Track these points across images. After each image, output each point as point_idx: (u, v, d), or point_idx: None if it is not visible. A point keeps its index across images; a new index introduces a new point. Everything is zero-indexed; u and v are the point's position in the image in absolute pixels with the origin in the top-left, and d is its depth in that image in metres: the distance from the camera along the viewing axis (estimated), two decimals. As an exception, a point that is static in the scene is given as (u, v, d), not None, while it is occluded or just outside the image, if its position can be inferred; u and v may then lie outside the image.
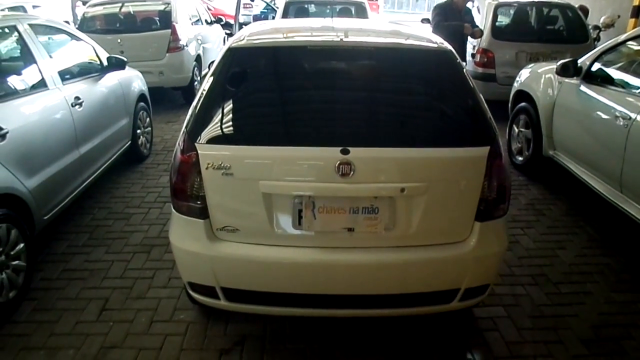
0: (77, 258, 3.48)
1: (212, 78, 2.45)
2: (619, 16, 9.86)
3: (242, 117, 2.36)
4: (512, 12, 7.27)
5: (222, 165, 2.16)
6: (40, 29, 3.72)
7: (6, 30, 3.50)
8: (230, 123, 2.31)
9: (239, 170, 2.17)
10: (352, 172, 2.13)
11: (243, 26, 8.47)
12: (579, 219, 4.17)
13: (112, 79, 4.53)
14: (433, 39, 2.71)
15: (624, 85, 3.83)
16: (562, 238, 3.87)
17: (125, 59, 4.50)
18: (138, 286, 3.17)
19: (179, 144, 2.34)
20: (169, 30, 6.85)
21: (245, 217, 2.25)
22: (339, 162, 2.12)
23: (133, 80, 5.07)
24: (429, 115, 2.42)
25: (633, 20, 9.90)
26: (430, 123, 2.39)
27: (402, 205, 2.22)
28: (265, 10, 10.14)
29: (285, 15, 6.96)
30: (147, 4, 7.20)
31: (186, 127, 2.33)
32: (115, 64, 4.44)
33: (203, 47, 7.87)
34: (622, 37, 4.04)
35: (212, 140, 2.23)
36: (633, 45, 4.02)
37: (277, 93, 2.43)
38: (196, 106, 2.38)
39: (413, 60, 2.51)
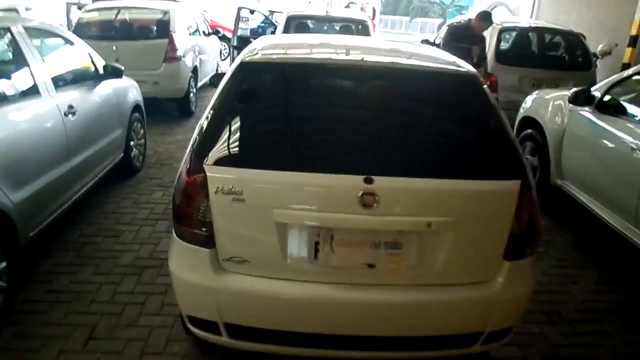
0: (63, 278, 3.24)
1: (222, 93, 2.27)
2: (616, 45, 9.91)
3: (256, 138, 2.17)
4: (515, 37, 7.22)
5: (233, 189, 1.97)
6: (35, 32, 3.51)
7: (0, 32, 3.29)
8: (243, 144, 2.11)
9: (251, 196, 1.98)
10: (376, 204, 1.95)
11: (252, 40, 8.36)
12: (589, 252, 4.03)
13: (107, 87, 4.32)
14: (457, 62, 2.56)
15: (640, 116, 3.74)
16: (572, 272, 3.73)
17: (122, 68, 4.30)
18: (128, 312, 2.94)
19: (184, 163, 2.14)
20: (167, 40, 6.67)
21: (256, 248, 2.05)
22: (362, 192, 1.94)
23: (129, 89, 4.86)
24: (457, 144, 2.24)
25: (630, 49, 9.95)
26: (459, 152, 2.22)
27: (427, 240, 2.05)
28: (263, 25, 9.95)
29: (286, 30, 6.81)
30: (145, 12, 7.02)
31: (193, 145, 2.14)
32: (112, 73, 4.24)
33: (200, 59, 7.69)
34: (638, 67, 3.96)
35: (223, 162, 2.04)
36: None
37: (294, 113, 2.24)
38: (205, 123, 2.19)
39: (438, 84, 2.35)
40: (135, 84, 5.11)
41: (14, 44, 3.28)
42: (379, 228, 2.00)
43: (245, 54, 2.46)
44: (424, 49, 2.98)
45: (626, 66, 8.99)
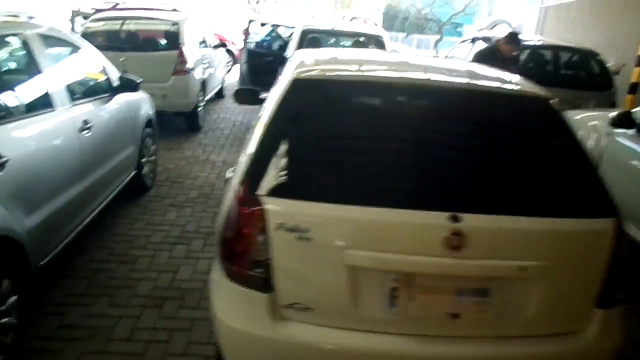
0: (76, 311, 2.93)
1: (275, 112, 2.00)
2: (624, 64, 9.83)
3: (324, 167, 1.89)
4: (535, 56, 7.06)
5: (299, 226, 1.70)
6: (49, 40, 3.23)
7: (11, 39, 3.01)
8: (309, 173, 1.85)
9: (320, 234, 1.71)
10: (463, 246, 1.69)
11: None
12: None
13: (122, 101, 4.04)
14: (530, 84, 2.33)
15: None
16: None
17: (138, 80, 4.02)
18: (151, 353, 2.64)
19: (235, 192, 1.87)
20: (176, 52, 6.41)
21: (323, 293, 1.77)
22: (448, 231, 1.69)
23: (142, 103, 4.59)
24: (547, 178, 1.97)
25: (638, 69, 9.88)
26: (550, 187, 1.95)
27: (517, 287, 1.79)
28: (268, 38, 9.64)
29: (301, 44, 6.59)
30: (154, 23, 6.76)
31: (246, 173, 1.87)
32: (128, 85, 3.96)
33: (208, 72, 7.44)
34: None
35: (284, 194, 1.77)
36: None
37: (365, 138, 1.97)
38: (257, 146, 1.92)
39: (521, 109, 2.12)
40: (148, 97, 4.83)
41: (26, 52, 3.00)
42: (467, 273, 1.74)
43: (297, 71, 2.19)
44: (487, 68, 2.73)
45: (634, 86, 8.89)
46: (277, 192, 1.77)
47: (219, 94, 9.16)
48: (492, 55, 5.43)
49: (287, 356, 1.79)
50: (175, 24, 6.65)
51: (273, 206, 1.73)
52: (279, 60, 8.05)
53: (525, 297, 1.79)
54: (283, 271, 1.75)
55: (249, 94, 3.99)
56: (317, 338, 1.76)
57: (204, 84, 7.22)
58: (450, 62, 3.04)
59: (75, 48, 3.77)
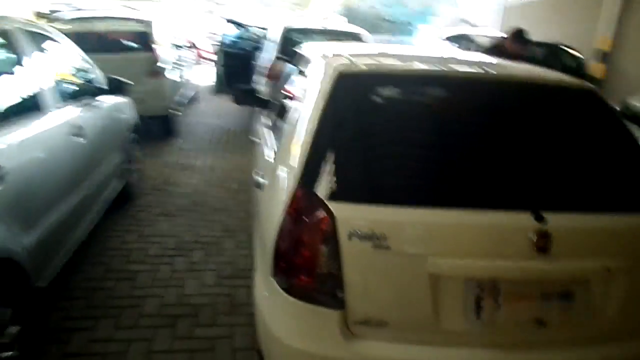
0: (79, 336, 2.64)
1: (322, 111, 1.80)
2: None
3: (395, 167, 1.71)
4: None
5: (375, 234, 1.52)
6: (38, 38, 2.92)
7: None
8: (378, 174, 1.66)
9: (399, 242, 1.54)
10: (550, 247, 1.56)
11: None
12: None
13: (112, 104, 3.74)
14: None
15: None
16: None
17: (129, 82, 3.73)
18: (175, 379, 2.39)
19: (292, 198, 1.66)
20: (150, 53, 6.07)
21: (401, 307, 1.60)
22: (535, 232, 1.55)
23: (127, 107, 4.28)
24: (617, 171, 1.86)
25: (600, 65, 10.18)
26: (621, 181, 1.85)
27: (601, 288, 1.67)
28: (237, 40, 9.18)
29: (284, 43, 6.38)
30: (125, 23, 6.36)
31: (302, 177, 1.67)
32: (118, 87, 3.66)
33: (182, 74, 7.12)
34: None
35: (353, 198, 1.59)
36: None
37: (432, 136, 1.79)
38: (309, 147, 1.72)
39: (572, 100, 2.02)
40: (130, 100, 4.52)
41: (15, 50, 2.69)
42: (554, 277, 1.61)
43: (335, 65, 1.99)
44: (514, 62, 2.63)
45: (597, 82, 9.16)
46: (344, 196, 1.58)
47: (193, 97, 8.83)
48: (498, 54, 5.11)
49: (363, 378, 1.60)
50: (147, 23, 6.29)
51: (343, 212, 1.55)
52: (255, 61, 7.84)
53: (609, 298, 1.68)
54: (356, 284, 1.57)
55: (248, 94, 3.76)
56: (396, 356, 1.58)
57: (179, 86, 6.89)
58: (478, 55, 2.93)
59: (64, 48, 3.45)
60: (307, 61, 2.57)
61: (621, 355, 1.72)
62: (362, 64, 2.01)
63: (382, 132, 1.77)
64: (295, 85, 2.62)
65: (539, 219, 1.58)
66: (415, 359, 1.59)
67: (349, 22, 9.45)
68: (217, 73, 7.56)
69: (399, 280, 1.58)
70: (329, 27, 7.01)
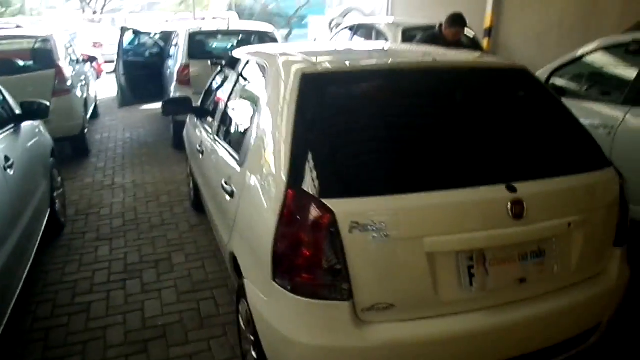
0: (48, 381, 2.48)
1: (295, 111, 1.85)
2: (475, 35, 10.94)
3: (378, 159, 1.81)
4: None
5: (374, 224, 1.62)
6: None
7: None
8: (364, 167, 1.76)
9: (397, 228, 1.64)
10: (523, 213, 1.75)
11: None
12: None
13: (30, 131, 3.47)
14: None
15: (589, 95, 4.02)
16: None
17: (48, 104, 3.47)
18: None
19: (284, 201, 1.70)
20: (53, 70, 5.64)
21: (404, 288, 1.71)
22: (510, 201, 1.74)
23: (43, 131, 3.98)
24: (559, 139, 2.12)
25: (486, 39, 11.05)
26: (564, 147, 2.11)
27: (564, 242, 1.91)
28: (137, 48, 8.68)
29: (191, 47, 6.20)
30: (23, 40, 5.81)
31: (289, 179, 1.71)
32: (37, 111, 3.40)
33: (86, 90, 6.69)
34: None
35: (346, 193, 1.67)
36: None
37: (403, 126, 1.92)
38: (292, 150, 1.77)
39: (511, 80, 2.25)
40: (40, 123, 4.20)
41: None
42: (529, 238, 1.81)
43: (296, 67, 2.04)
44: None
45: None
46: (335, 192, 1.66)
47: (94, 113, 8.33)
48: (435, 41, 4.96)
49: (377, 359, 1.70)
50: (46, 39, 5.83)
51: (340, 207, 1.62)
52: (158, 68, 7.56)
53: (570, 249, 1.92)
54: (360, 273, 1.65)
55: (181, 103, 3.67)
56: (404, 334, 1.69)
57: (86, 103, 6.48)
58: (421, 47, 3.11)
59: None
60: (253, 65, 2.59)
61: (585, 296, 1.97)
62: (322, 64, 2.08)
63: (357, 127, 1.87)
64: (243, 90, 2.63)
65: (512, 189, 1.77)
66: (421, 333, 1.72)
67: (240, 19, 9.35)
68: (120, 85, 7.17)
69: (399, 264, 1.69)
70: (236, 28, 6.95)
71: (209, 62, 5.85)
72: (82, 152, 6.32)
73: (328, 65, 2.08)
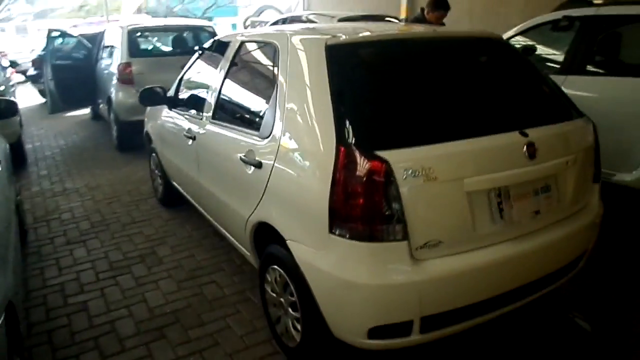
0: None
1: (325, 83, 2.00)
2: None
3: (414, 114, 2.02)
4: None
5: (424, 169, 1.80)
6: None
7: None
8: (405, 121, 1.95)
9: (442, 171, 1.84)
10: (536, 154, 2.03)
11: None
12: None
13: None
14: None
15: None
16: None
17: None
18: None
19: (342, 158, 1.82)
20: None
21: (449, 225, 1.90)
22: (525, 144, 2.00)
23: (-1, 134, 3.75)
24: (546, 93, 2.46)
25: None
26: (551, 100, 2.45)
27: (562, 178, 2.21)
28: (66, 51, 7.95)
29: (130, 45, 6.00)
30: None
31: (340, 138, 1.85)
32: (5, 111, 3.20)
33: (14, 93, 6.26)
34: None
35: (398, 144, 1.84)
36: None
37: (429, 87, 2.16)
38: (337, 114, 1.92)
39: (496, 48, 2.57)
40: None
41: None
42: (540, 175, 2.08)
43: (321, 40, 2.17)
44: None
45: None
46: (386, 145, 1.82)
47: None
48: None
49: (429, 292, 1.86)
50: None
51: (393, 157, 1.78)
52: (88, 71, 7.22)
53: (566, 184, 2.22)
54: (414, 215, 1.81)
55: (156, 93, 3.62)
56: (453, 267, 1.88)
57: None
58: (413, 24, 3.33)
59: None
60: (254, 46, 2.69)
61: (579, 225, 2.28)
62: (339, 36, 2.22)
63: (389, 88, 2.07)
64: (245, 71, 2.71)
65: (524, 135, 2.03)
66: (465, 265, 1.91)
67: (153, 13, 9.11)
68: (49, 90, 6.75)
69: (445, 203, 1.88)
70: (176, 24, 6.84)
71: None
72: (20, 161, 5.92)
73: (344, 37, 2.23)
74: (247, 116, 2.61)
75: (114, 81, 6.12)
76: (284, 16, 8.50)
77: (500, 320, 2.27)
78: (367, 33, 2.38)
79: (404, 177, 1.78)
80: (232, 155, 2.54)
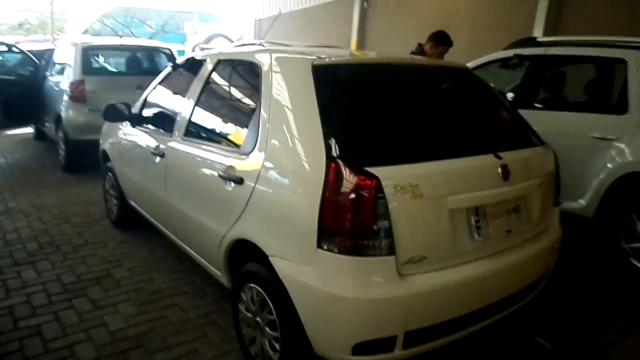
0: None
1: (313, 102, 2.05)
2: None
3: (400, 134, 2.11)
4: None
5: (411, 186, 1.87)
6: None
7: None
8: (393, 141, 2.04)
9: (428, 188, 1.91)
10: (509, 176, 2.16)
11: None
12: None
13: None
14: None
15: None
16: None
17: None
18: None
19: (332, 174, 1.85)
20: None
21: (432, 240, 1.97)
22: (499, 166, 2.13)
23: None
24: (513, 122, 2.64)
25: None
26: (518, 128, 2.62)
27: (530, 200, 2.35)
28: (9, 66, 7.55)
29: (84, 62, 5.81)
30: None
31: (334, 153, 1.88)
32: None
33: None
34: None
35: (388, 161, 1.90)
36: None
37: (407, 108, 2.29)
38: (333, 128, 1.97)
39: (464, 77, 2.75)
40: None
41: None
42: (513, 196, 2.21)
43: (308, 59, 2.23)
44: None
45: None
46: (375, 162, 1.87)
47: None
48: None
49: (414, 307, 1.90)
50: None
51: (382, 173, 1.83)
52: (36, 87, 6.93)
53: (533, 206, 2.36)
54: (400, 230, 1.86)
55: (120, 109, 3.53)
56: (435, 282, 1.94)
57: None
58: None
59: None
60: (233, 64, 2.72)
61: (543, 245, 2.41)
62: (323, 58, 2.29)
63: (373, 110, 2.16)
64: (223, 88, 2.71)
65: (499, 157, 2.16)
66: (447, 280, 1.97)
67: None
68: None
69: (429, 220, 1.94)
70: (133, 44, 6.72)
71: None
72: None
73: (329, 59, 2.30)
74: (226, 133, 2.61)
75: (65, 99, 5.90)
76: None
77: (467, 340, 2.33)
78: (349, 56, 2.47)
79: (393, 193, 1.84)
80: (208, 171, 2.52)
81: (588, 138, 3.77)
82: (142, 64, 6.77)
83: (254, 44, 2.98)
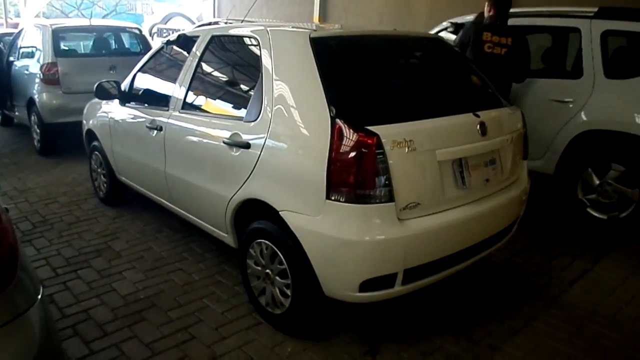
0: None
1: (314, 71, 2.29)
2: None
3: (400, 98, 2.40)
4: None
5: (406, 141, 2.14)
6: None
7: None
8: (390, 102, 2.33)
9: (421, 143, 2.19)
10: (486, 131, 2.45)
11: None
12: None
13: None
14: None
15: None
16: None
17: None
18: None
19: (337, 133, 2.10)
20: None
21: (424, 189, 2.25)
22: (478, 123, 2.42)
23: None
24: (483, 84, 2.93)
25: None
26: (488, 89, 2.92)
27: (504, 153, 2.66)
28: None
29: (55, 44, 5.75)
30: None
31: (337, 115, 2.13)
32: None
33: None
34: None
35: (385, 120, 2.17)
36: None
37: (397, 74, 2.59)
38: (335, 93, 2.22)
39: (437, 44, 3.03)
40: None
41: None
42: (489, 149, 2.51)
43: (305, 32, 2.46)
44: None
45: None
46: (374, 121, 2.14)
47: None
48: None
49: (411, 247, 2.19)
50: None
51: (381, 131, 2.10)
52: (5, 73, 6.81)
53: (506, 158, 2.68)
54: (398, 180, 2.13)
55: (111, 87, 3.65)
56: (429, 225, 2.23)
57: None
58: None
59: None
60: (229, 40, 2.90)
61: (514, 194, 2.74)
62: (317, 30, 2.51)
63: (367, 76, 2.43)
64: (220, 63, 2.89)
65: (477, 115, 2.46)
66: (439, 223, 2.26)
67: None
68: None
69: (422, 171, 2.22)
70: (103, 24, 6.69)
71: None
72: None
73: (323, 32, 2.53)
74: (226, 103, 2.80)
75: (37, 82, 5.87)
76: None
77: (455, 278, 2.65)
78: (340, 29, 2.70)
79: (391, 147, 2.10)
80: (211, 140, 2.71)
81: (547, 101, 4.13)
82: (113, 45, 6.75)
83: (217, 23, 3.21)
